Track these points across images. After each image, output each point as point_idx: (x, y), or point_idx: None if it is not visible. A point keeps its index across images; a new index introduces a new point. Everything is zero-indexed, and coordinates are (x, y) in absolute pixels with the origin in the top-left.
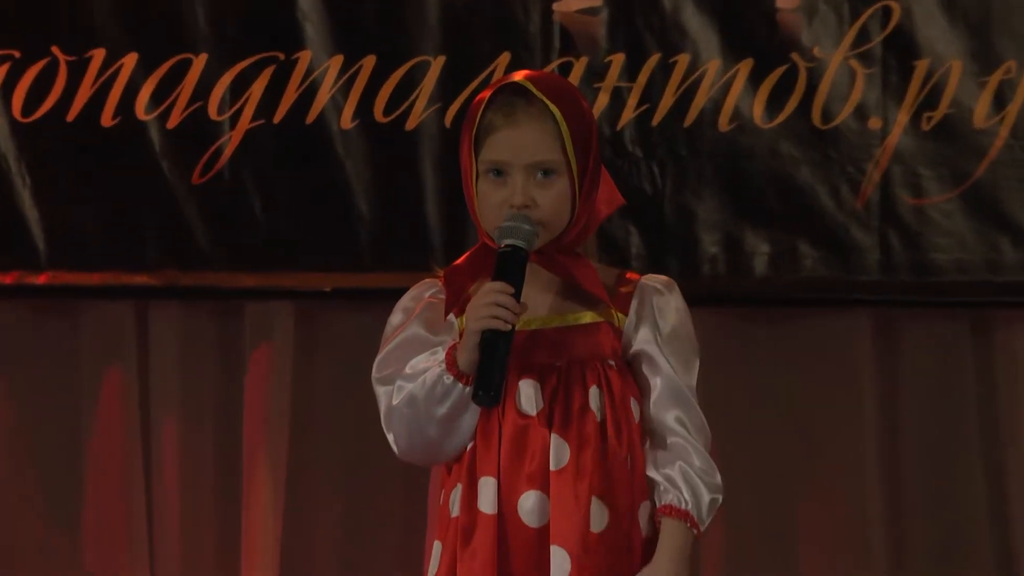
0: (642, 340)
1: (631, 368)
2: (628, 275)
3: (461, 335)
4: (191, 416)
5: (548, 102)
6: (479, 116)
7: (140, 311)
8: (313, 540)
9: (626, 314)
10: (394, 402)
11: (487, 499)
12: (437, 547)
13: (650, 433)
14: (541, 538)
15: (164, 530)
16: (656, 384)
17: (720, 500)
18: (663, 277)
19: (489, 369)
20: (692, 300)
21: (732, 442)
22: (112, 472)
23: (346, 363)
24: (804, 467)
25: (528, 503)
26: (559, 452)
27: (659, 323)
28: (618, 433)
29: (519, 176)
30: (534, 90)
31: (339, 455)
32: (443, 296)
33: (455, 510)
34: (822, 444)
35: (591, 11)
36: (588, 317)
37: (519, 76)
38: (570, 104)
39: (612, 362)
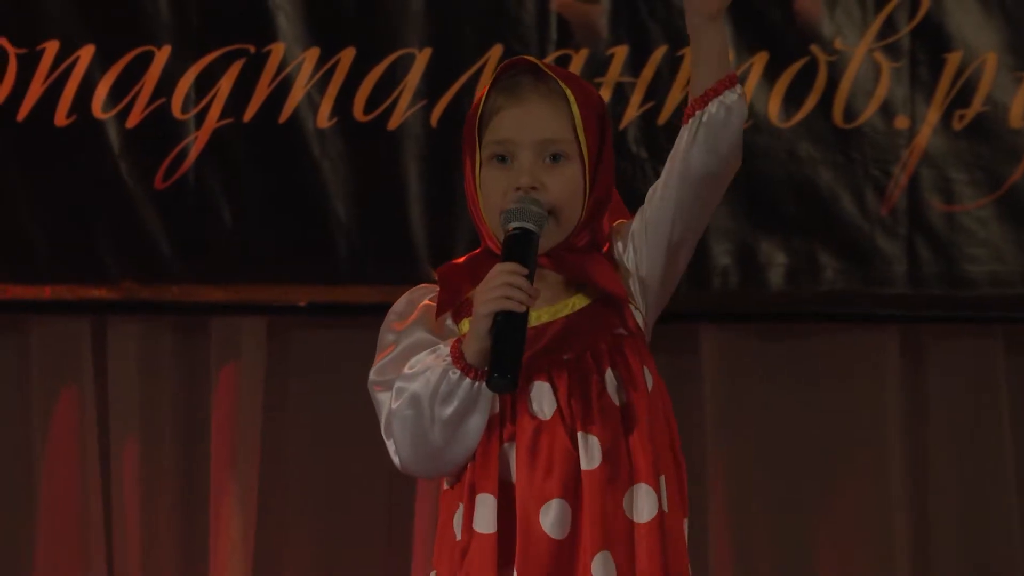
0: (635, 230)
1: (637, 244)
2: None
3: (462, 337)
4: (153, 441)
5: (557, 79)
6: (483, 101)
7: (97, 327)
8: (286, 573)
9: (622, 262)
10: (394, 405)
11: (484, 518)
12: None
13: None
14: (566, 549)
15: (124, 561)
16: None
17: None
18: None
19: (504, 350)
20: (702, 315)
21: (749, 466)
22: (67, 500)
23: (322, 384)
24: (825, 496)
25: (550, 513)
26: (587, 450)
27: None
28: (636, 411)
29: (526, 156)
30: (543, 66)
31: (314, 483)
32: None
33: (459, 533)
34: (845, 469)
35: None
36: (591, 296)
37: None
38: (581, 85)
39: (622, 330)
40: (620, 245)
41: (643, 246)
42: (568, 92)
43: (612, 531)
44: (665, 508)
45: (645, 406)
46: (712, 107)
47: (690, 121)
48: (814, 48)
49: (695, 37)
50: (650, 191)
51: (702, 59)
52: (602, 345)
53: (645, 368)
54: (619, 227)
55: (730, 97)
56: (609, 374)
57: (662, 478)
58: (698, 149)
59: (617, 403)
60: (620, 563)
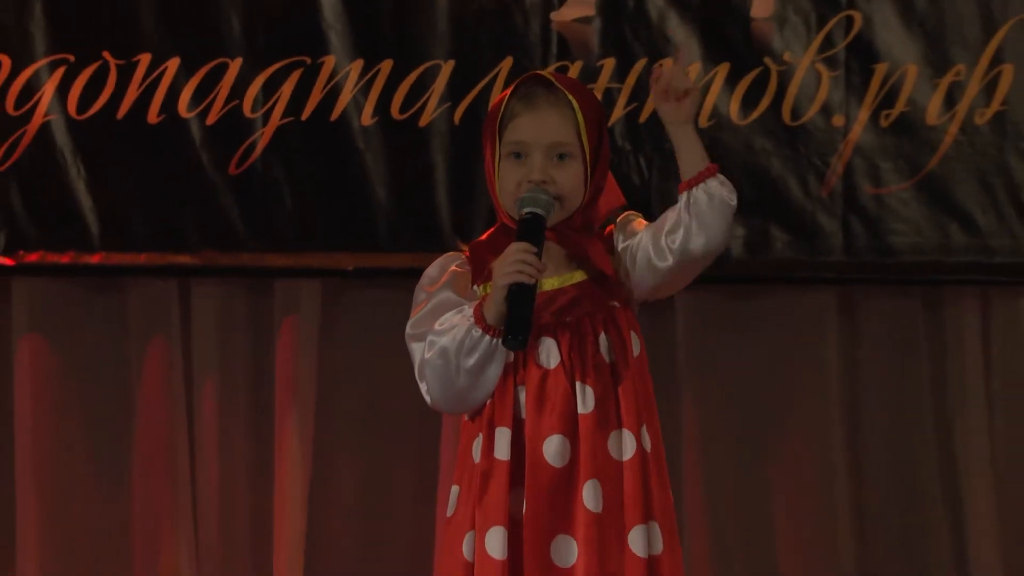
0: (634, 249)
1: (631, 255)
2: (609, 228)
3: (483, 300)
4: (228, 381)
5: (566, 91)
6: (503, 105)
7: (182, 288)
8: (337, 492)
9: (617, 248)
10: (426, 355)
11: (502, 447)
12: (454, 491)
13: (648, 243)
14: (564, 476)
15: (206, 483)
16: (640, 237)
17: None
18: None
19: (518, 316)
20: None
21: (714, 404)
22: (158, 431)
23: (365, 334)
24: (776, 429)
25: (552, 446)
26: (583, 397)
27: (631, 230)
28: (623, 370)
29: (538, 155)
30: (554, 80)
31: (360, 415)
32: (468, 267)
33: (477, 457)
34: (791, 411)
35: (585, 20)
36: (589, 272)
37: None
38: (585, 96)
39: (616, 303)
40: (621, 238)
41: (634, 267)
42: (574, 102)
43: (601, 465)
44: (647, 448)
45: (631, 366)
46: (696, 192)
47: (679, 199)
48: (767, 60)
49: (674, 138)
50: (648, 231)
51: (683, 154)
52: (599, 314)
53: (633, 334)
54: (624, 222)
55: (711, 184)
56: (603, 337)
57: (644, 427)
58: (695, 233)
59: (608, 361)
60: (606, 490)
